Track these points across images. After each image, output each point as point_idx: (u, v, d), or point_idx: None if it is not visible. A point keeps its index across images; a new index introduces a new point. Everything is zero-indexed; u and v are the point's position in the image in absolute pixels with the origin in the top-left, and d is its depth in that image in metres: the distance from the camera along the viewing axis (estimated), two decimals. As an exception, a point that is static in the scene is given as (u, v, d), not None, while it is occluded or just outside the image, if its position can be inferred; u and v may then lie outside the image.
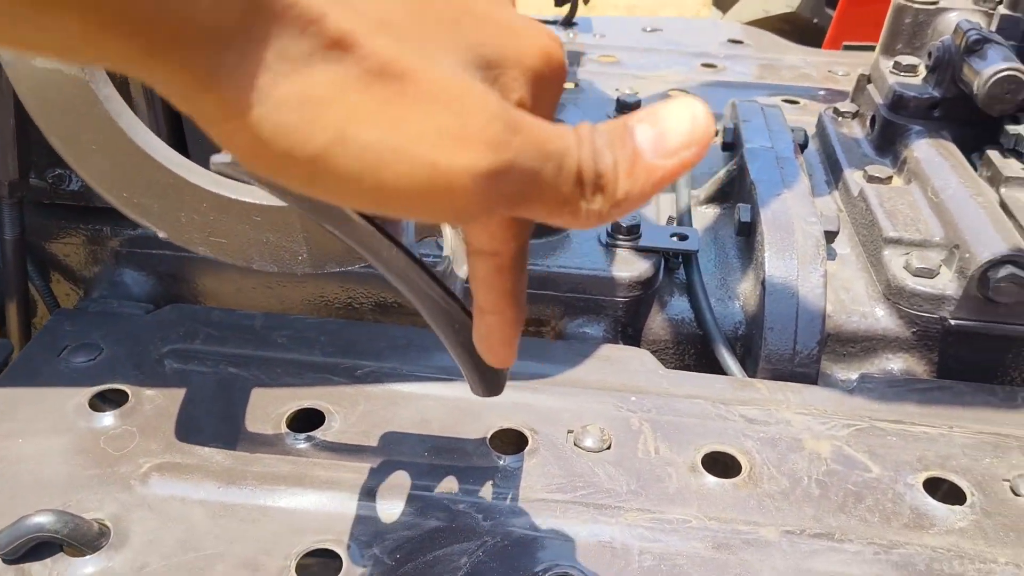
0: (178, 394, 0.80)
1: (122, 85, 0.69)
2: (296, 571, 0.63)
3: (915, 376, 0.86)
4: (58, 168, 0.89)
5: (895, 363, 0.87)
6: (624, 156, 0.33)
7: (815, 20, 1.84)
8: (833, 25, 1.69)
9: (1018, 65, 0.92)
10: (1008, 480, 0.72)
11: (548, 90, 0.35)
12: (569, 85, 1.45)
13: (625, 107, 1.20)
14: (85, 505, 0.68)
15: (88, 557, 0.64)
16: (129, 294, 0.96)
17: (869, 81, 1.16)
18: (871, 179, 1.01)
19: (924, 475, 0.72)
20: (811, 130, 1.23)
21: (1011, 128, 0.96)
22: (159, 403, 0.79)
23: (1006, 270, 0.80)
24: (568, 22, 1.73)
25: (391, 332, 0.88)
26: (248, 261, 0.63)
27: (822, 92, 1.47)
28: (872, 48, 1.55)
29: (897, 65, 1.10)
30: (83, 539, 0.64)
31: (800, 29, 1.89)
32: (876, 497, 0.70)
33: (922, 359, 0.86)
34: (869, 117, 1.12)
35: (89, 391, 0.79)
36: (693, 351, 0.92)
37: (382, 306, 0.96)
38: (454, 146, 0.29)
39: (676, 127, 0.34)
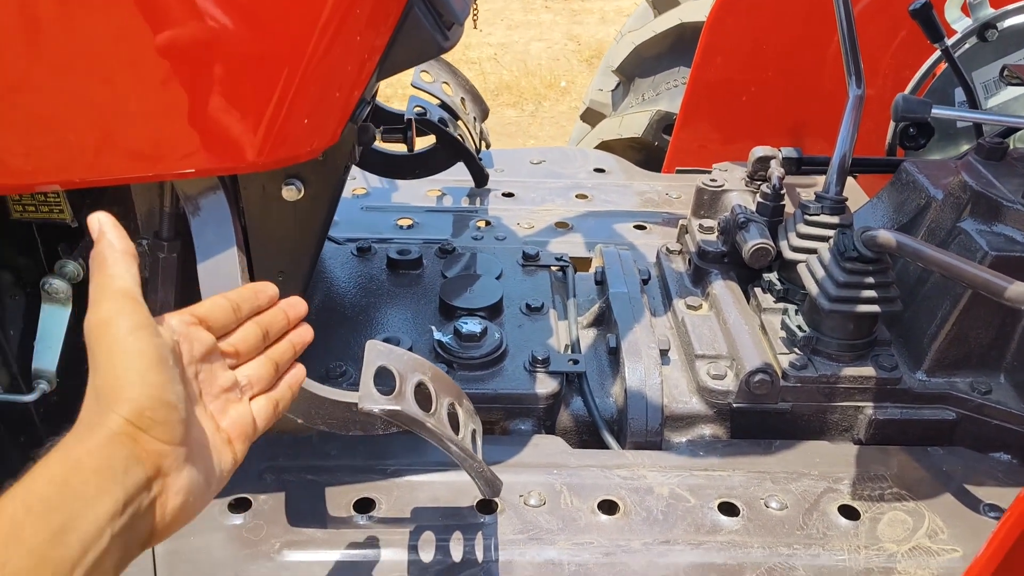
0: (280, 496, 1.30)
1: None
2: (384, 595, 1.16)
3: (718, 438, 1.45)
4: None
5: (705, 431, 1.46)
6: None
7: (656, 143, 2.45)
8: (669, 152, 2.31)
9: (767, 241, 1.53)
10: (763, 499, 1.32)
11: None
12: (481, 223, 2.00)
13: (529, 257, 1.76)
14: (249, 573, 1.18)
15: (264, 601, 1.14)
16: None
17: (686, 231, 1.76)
18: (688, 307, 1.60)
19: (716, 500, 1.31)
20: (652, 254, 1.82)
21: (765, 275, 1.57)
22: (270, 504, 1.29)
23: (759, 375, 1.40)
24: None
25: (402, 441, 1.41)
26: (348, 431, 1.15)
27: (662, 216, 2.07)
28: (697, 171, 2.18)
29: (701, 227, 1.70)
30: (260, 592, 1.15)
31: (644, 147, 2.50)
32: (691, 517, 1.28)
33: (720, 427, 1.45)
34: (687, 258, 1.72)
35: (224, 501, 1.28)
36: (585, 435, 1.48)
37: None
38: None
39: None
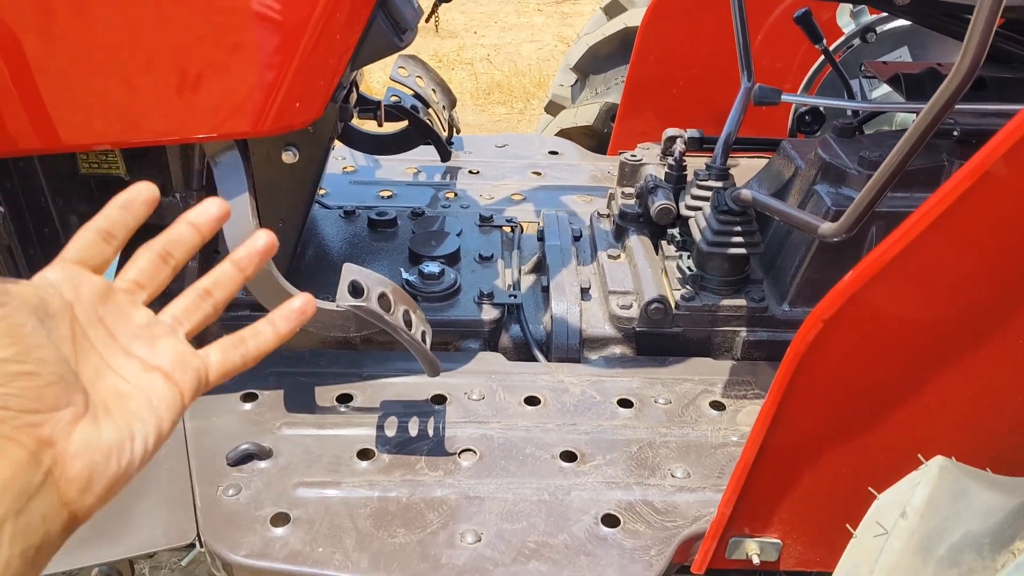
0: (278, 393, 1.69)
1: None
2: (357, 456, 1.54)
3: (625, 356, 1.84)
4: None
5: (616, 350, 1.84)
6: None
7: (604, 130, 2.85)
8: (612, 138, 2.70)
9: (670, 202, 1.92)
10: (652, 397, 1.70)
11: None
12: (449, 195, 2.39)
13: (484, 219, 2.15)
14: (256, 441, 1.56)
15: (267, 460, 1.53)
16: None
17: (612, 198, 2.14)
18: (609, 257, 1.99)
19: (616, 397, 1.69)
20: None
21: (669, 231, 1.96)
22: (272, 397, 1.68)
23: (655, 304, 1.78)
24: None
25: (374, 356, 1.80)
26: (329, 332, 1.53)
27: (602, 189, 2.46)
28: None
29: (623, 194, 2.09)
30: (264, 453, 1.53)
31: (596, 135, 2.89)
32: (596, 408, 1.67)
33: (626, 347, 1.84)
34: (613, 220, 2.11)
35: (237, 394, 1.67)
36: (520, 352, 1.87)
37: (366, 340, 1.87)
38: None
39: None
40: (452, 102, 2.52)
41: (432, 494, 1.47)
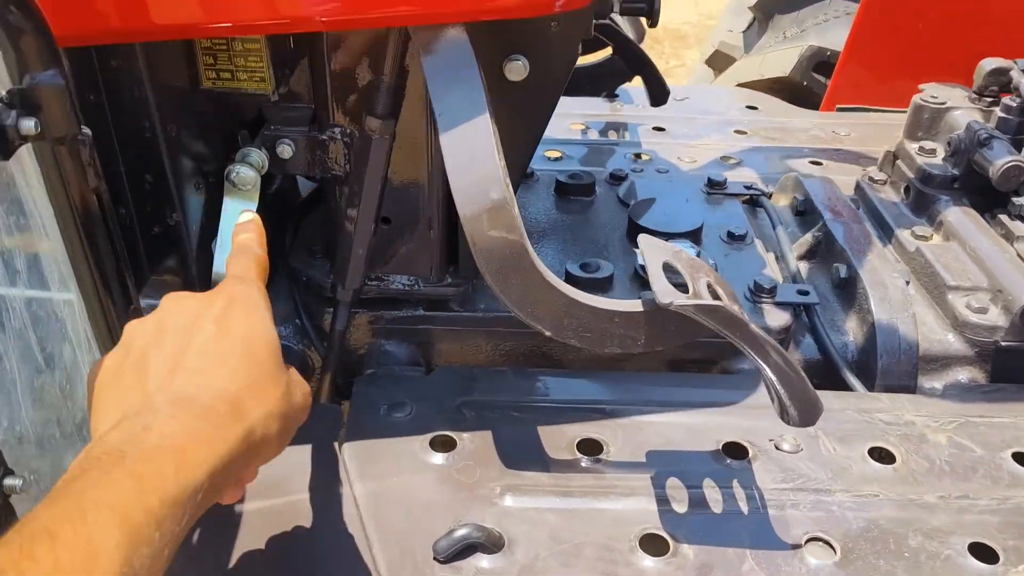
0: (485, 435, 1.09)
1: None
2: (640, 546, 0.95)
3: (977, 383, 1.24)
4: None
5: (962, 375, 1.24)
6: None
7: (804, 83, 2.24)
8: (829, 90, 2.09)
9: (1020, 157, 1.31)
10: (1060, 449, 1.10)
11: None
12: (645, 157, 1.79)
13: (715, 184, 1.55)
14: (473, 519, 0.97)
15: (497, 555, 0.94)
16: (395, 360, 1.24)
17: (896, 158, 1.54)
18: (918, 237, 1.39)
19: (1010, 451, 1.09)
20: (846, 190, 1.60)
21: (1016, 200, 1.35)
22: (476, 443, 1.08)
23: (1037, 308, 1.18)
24: (611, 95, 2.07)
25: (614, 378, 1.20)
26: (603, 348, 0.94)
27: (835, 152, 1.85)
28: (863, 110, 1.96)
29: (921, 149, 1.48)
30: (493, 541, 0.94)
31: (790, 89, 2.28)
32: (983, 469, 1.07)
33: (980, 370, 1.24)
34: (903, 187, 1.50)
35: (424, 438, 1.08)
36: (818, 376, 1.27)
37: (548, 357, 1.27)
38: None
39: None
40: (640, 35, 1.92)
41: (789, 622, 0.87)
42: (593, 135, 1.93)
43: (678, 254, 0.91)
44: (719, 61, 2.50)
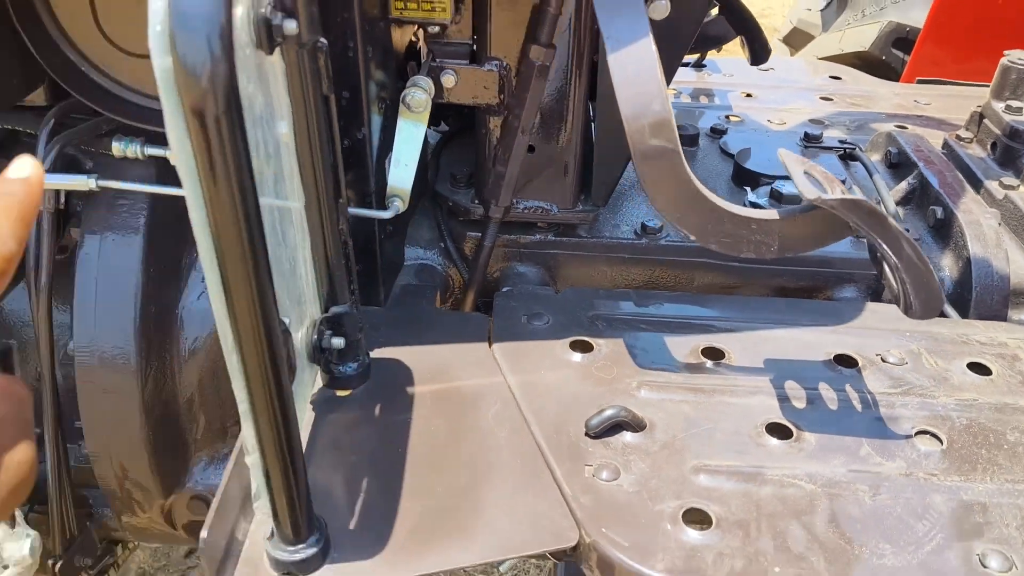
0: (618, 342, 1.22)
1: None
2: (766, 431, 1.07)
3: (1063, 316, 1.34)
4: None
5: (1050, 308, 1.35)
6: None
7: (883, 57, 2.33)
8: (910, 64, 2.18)
9: (1106, 113, 1.41)
10: None
11: None
12: (735, 119, 1.90)
13: (812, 138, 1.66)
14: (615, 405, 1.10)
15: (640, 434, 1.06)
16: (527, 280, 1.38)
17: (983, 117, 1.64)
18: (1005, 187, 1.49)
19: (1098, 369, 1.20)
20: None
21: (1103, 154, 1.45)
22: (610, 347, 1.21)
23: (1126, 245, 1.28)
24: (699, 64, 2.19)
25: (724, 301, 1.32)
26: (739, 252, 1.06)
27: (919, 118, 1.95)
28: (943, 82, 2.05)
29: (1008, 108, 1.58)
30: (636, 422, 1.07)
31: (869, 64, 2.38)
32: (1075, 383, 1.17)
33: (1068, 304, 1.34)
34: (989, 143, 1.60)
35: (564, 341, 1.21)
36: (915, 306, 1.38)
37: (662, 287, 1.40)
38: None
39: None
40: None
41: (904, 494, 0.99)
42: (685, 99, 2.05)
43: (814, 166, 1.03)
44: (796, 39, 2.60)
